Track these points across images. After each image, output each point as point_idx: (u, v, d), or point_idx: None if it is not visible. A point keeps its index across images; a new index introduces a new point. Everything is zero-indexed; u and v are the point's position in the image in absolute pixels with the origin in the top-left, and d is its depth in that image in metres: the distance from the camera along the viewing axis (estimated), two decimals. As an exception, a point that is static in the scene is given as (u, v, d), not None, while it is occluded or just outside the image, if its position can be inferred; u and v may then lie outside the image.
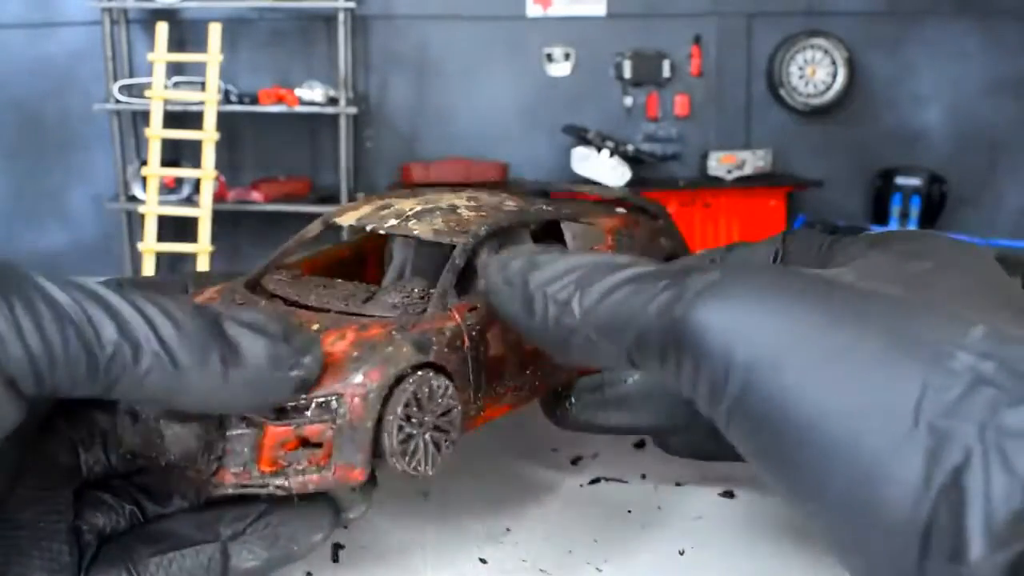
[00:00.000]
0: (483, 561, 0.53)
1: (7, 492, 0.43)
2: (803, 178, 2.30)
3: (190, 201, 2.08)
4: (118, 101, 2.09)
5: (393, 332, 0.47)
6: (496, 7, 2.26)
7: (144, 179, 2.03)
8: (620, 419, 0.54)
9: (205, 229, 2.00)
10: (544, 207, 0.59)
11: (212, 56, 1.98)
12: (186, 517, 0.46)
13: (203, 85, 2.02)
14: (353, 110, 2.12)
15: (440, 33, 2.27)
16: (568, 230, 0.59)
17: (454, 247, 0.52)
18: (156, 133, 1.98)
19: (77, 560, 0.43)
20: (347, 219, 0.56)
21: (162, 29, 1.98)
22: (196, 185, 2.06)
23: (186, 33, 2.16)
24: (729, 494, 0.59)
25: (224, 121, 2.06)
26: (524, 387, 0.53)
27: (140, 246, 2.01)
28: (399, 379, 0.45)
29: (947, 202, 2.31)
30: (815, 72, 2.29)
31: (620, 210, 0.68)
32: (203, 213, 1.99)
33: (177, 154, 2.13)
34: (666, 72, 2.31)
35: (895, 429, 0.31)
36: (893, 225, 2.24)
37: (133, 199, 2.11)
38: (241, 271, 0.58)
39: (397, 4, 2.24)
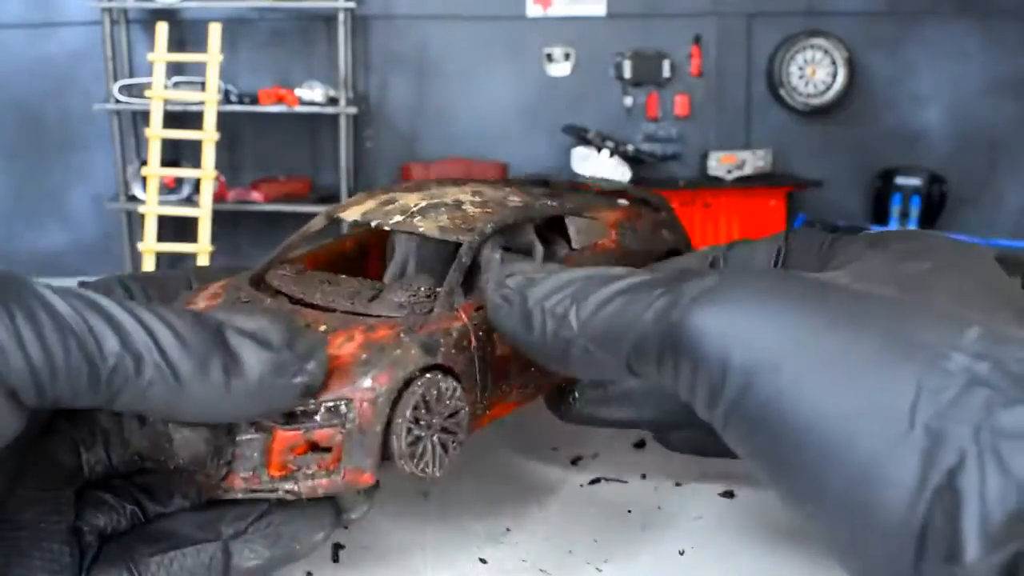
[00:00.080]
0: (483, 561, 0.53)
1: (8, 493, 0.43)
2: (803, 178, 2.30)
3: (190, 201, 2.08)
4: (118, 101, 2.09)
5: (401, 334, 0.46)
6: (496, 7, 2.26)
7: (144, 179, 2.03)
8: (622, 414, 0.54)
9: (205, 229, 2.00)
10: (548, 202, 0.59)
11: (212, 56, 1.98)
12: (188, 516, 0.47)
13: (203, 85, 2.02)
14: (353, 110, 2.12)
15: (440, 33, 2.27)
16: (572, 225, 0.59)
17: (460, 245, 0.52)
18: (156, 133, 1.99)
19: (78, 560, 0.43)
20: (351, 214, 0.56)
21: (162, 29, 1.98)
22: (196, 185, 2.06)
23: (186, 33, 2.16)
24: (729, 494, 0.59)
25: (224, 121, 2.06)
26: (529, 385, 0.53)
27: (140, 246, 2.01)
28: (407, 382, 0.45)
29: (947, 202, 2.31)
30: (815, 72, 2.29)
31: (622, 202, 0.68)
32: (203, 213, 1.99)
33: (177, 154, 2.13)
34: (666, 72, 2.31)
35: (891, 431, 0.31)
36: (893, 225, 2.24)
37: (133, 199, 2.11)
38: (245, 266, 0.58)
39: (397, 4, 2.24)
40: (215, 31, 1.99)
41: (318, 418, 0.44)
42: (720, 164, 2.24)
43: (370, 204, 0.57)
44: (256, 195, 2.13)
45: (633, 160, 2.22)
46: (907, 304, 0.37)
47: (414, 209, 0.55)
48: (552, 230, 0.60)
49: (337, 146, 2.15)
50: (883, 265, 0.43)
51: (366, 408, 0.44)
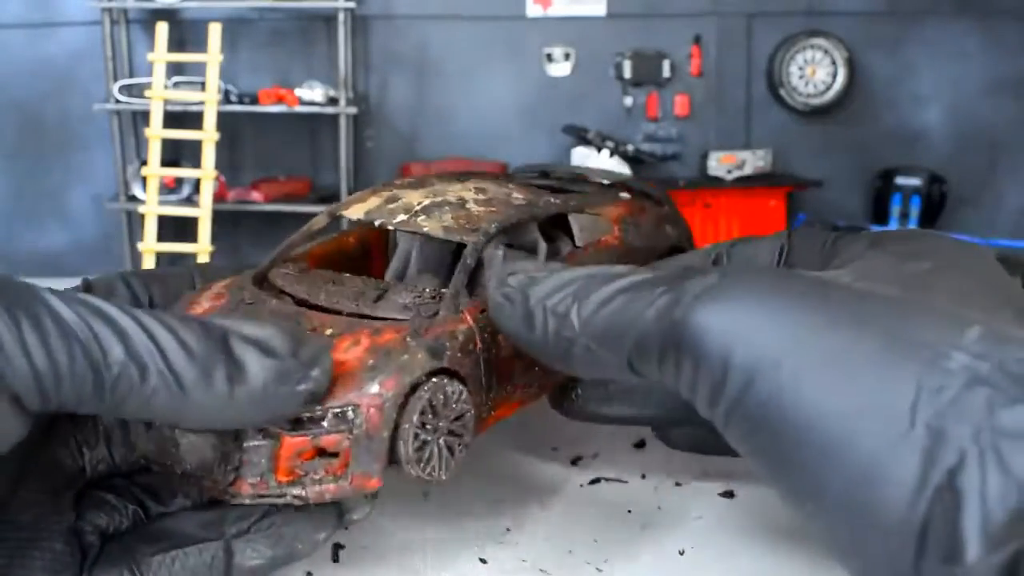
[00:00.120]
0: (483, 561, 0.53)
1: (9, 494, 0.43)
2: (803, 178, 2.30)
3: (190, 201, 2.08)
4: (118, 101, 2.09)
5: (407, 338, 0.47)
6: (496, 7, 2.26)
7: (144, 179, 2.03)
8: (624, 411, 0.55)
9: (205, 229, 2.00)
10: (551, 199, 0.59)
11: (212, 56, 1.98)
12: (189, 516, 0.47)
13: (203, 85, 2.02)
14: (353, 110, 2.12)
15: (440, 33, 2.27)
16: (575, 222, 0.59)
17: (463, 245, 0.52)
18: (156, 133, 1.99)
19: (79, 560, 0.43)
20: (354, 212, 0.56)
21: (162, 29, 1.98)
22: (196, 185, 2.06)
23: (186, 33, 2.16)
24: (729, 494, 0.59)
25: (224, 121, 2.06)
26: (532, 384, 0.54)
27: (140, 246, 2.01)
28: (414, 387, 0.45)
29: (947, 202, 2.31)
30: (815, 72, 2.29)
31: (624, 195, 0.68)
32: (203, 213, 2.00)
33: (177, 154, 2.13)
34: (666, 72, 2.31)
35: (891, 430, 0.31)
36: (893, 225, 2.24)
37: (133, 199, 2.11)
38: (248, 263, 0.58)
39: (397, 4, 2.24)
40: (215, 31, 1.99)
41: (325, 424, 0.44)
42: (720, 164, 2.24)
43: (373, 202, 0.57)
44: (256, 195, 2.13)
45: (633, 160, 2.22)
46: (908, 303, 0.37)
47: (417, 208, 0.55)
48: (556, 227, 0.60)
49: (337, 146, 2.15)
50: (885, 264, 0.43)
51: (373, 414, 0.44)
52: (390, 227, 0.54)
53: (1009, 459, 0.29)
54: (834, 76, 2.29)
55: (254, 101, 2.11)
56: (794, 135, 2.33)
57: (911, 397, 0.31)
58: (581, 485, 0.61)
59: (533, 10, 2.28)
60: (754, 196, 2.24)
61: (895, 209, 2.28)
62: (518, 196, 0.57)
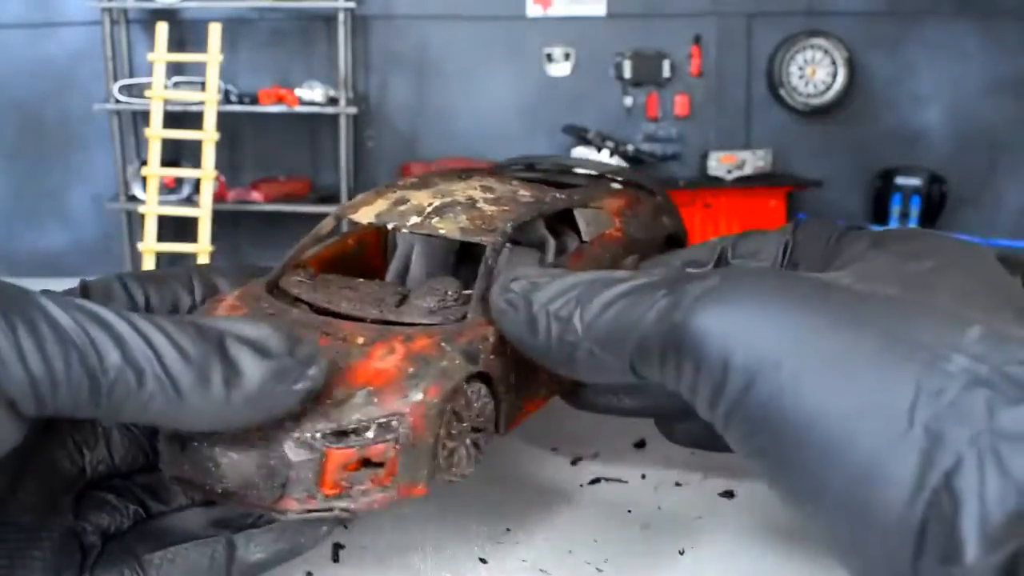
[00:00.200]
0: (483, 561, 0.53)
1: (8, 496, 0.43)
2: (803, 178, 2.30)
3: (190, 201, 2.08)
4: (118, 101, 2.09)
5: (442, 343, 0.47)
6: (496, 7, 2.26)
7: (144, 179, 2.03)
8: (633, 402, 0.55)
9: (205, 229, 2.00)
10: (557, 195, 0.59)
11: (212, 56, 1.98)
12: (191, 513, 0.47)
13: (203, 85, 2.02)
14: (353, 110, 2.12)
15: (440, 33, 2.27)
16: (581, 216, 0.60)
17: (468, 244, 0.52)
18: (156, 133, 1.99)
19: (80, 560, 0.43)
20: (363, 215, 0.56)
21: (162, 29, 1.98)
22: (196, 185, 2.06)
23: (186, 33, 2.16)
24: (729, 494, 0.60)
25: (224, 121, 2.06)
26: (554, 380, 0.54)
27: (140, 246, 2.01)
28: (453, 392, 0.45)
29: (947, 202, 2.31)
30: (815, 72, 2.29)
31: (617, 186, 0.68)
32: (203, 213, 2.00)
33: (177, 154, 2.13)
34: (666, 72, 2.31)
35: (890, 431, 0.32)
36: (893, 225, 2.24)
37: (133, 199, 2.11)
38: (247, 263, 0.58)
39: (397, 4, 2.24)
40: (215, 31, 1.99)
41: (370, 434, 0.44)
42: (720, 164, 2.24)
43: (381, 204, 0.56)
44: (256, 195, 2.13)
45: (633, 160, 2.22)
46: (909, 304, 0.37)
47: (429, 210, 0.55)
48: (561, 222, 0.60)
49: (337, 146, 2.15)
50: (886, 265, 0.43)
51: (418, 422, 0.44)
52: (404, 230, 0.54)
53: (1008, 461, 0.29)
54: (834, 76, 2.29)
55: (254, 101, 2.11)
56: (794, 135, 2.33)
57: (910, 398, 0.31)
58: (581, 485, 0.61)
59: (533, 10, 2.28)
60: (754, 196, 2.24)
61: (895, 209, 2.28)
62: (524, 193, 0.57)
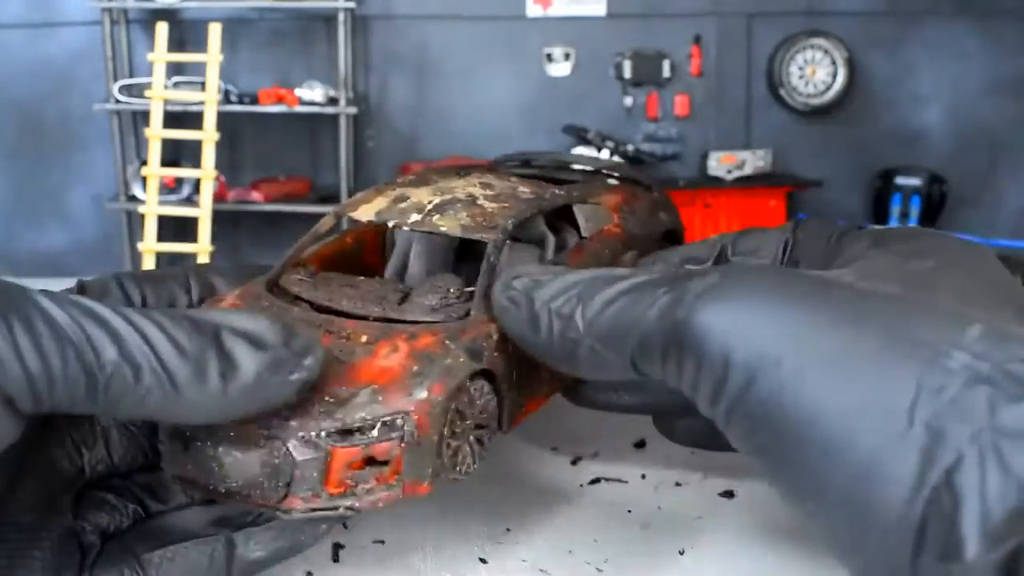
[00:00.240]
0: (483, 561, 0.53)
1: (7, 494, 0.43)
2: (803, 178, 2.30)
3: (190, 201, 2.08)
4: (118, 101, 2.09)
5: (446, 341, 0.46)
6: (496, 7, 2.26)
7: (144, 179, 2.03)
8: (633, 399, 0.55)
9: (205, 229, 2.00)
10: (556, 191, 0.59)
11: (212, 56, 1.98)
12: (190, 512, 0.47)
13: (203, 85, 2.02)
14: (353, 110, 2.12)
15: (440, 33, 2.27)
16: (580, 213, 0.60)
17: (467, 241, 0.52)
18: (156, 133, 1.99)
19: (79, 560, 0.43)
20: (363, 213, 0.55)
21: (162, 29, 1.98)
22: (196, 185, 2.06)
23: (186, 33, 2.16)
24: (729, 494, 0.59)
25: (224, 121, 2.06)
26: (556, 378, 0.54)
27: (140, 246, 2.01)
28: (457, 390, 0.45)
29: (947, 202, 2.31)
30: (815, 72, 2.29)
31: (613, 181, 0.68)
32: (203, 213, 2.00)
33: (177, 154, 2.13)
34: (666, 72, 2.31)
35: (890, 428, 0.32)
36: (893, 225, 2.24)
37: (133, 199, 2.11)
38: (246, 262, 0.57)
39: (397, 4, 2.24)
40: (215, 31, 1.99)
41: (375, 433, 0.44)
42: (720, 164, 2.24)
43: (381, 202, 0.56)
44: (256, 195, 2.13)
45: (633, 160, 2.22)
46: (909, 302, 0.37)
47: (430, 207, 0.54)
48: (560, 218, 0.60)
49: (337, 146, 2.15)
50: (887, 263, 0.43)
51: (423, 420, 0.44)
52: (405, 228, 0.53)
53: (1009, 458, 0.29)
54: (834, 76, 2.29)
55: (254, 101, 2.11)
56: (794, 135, 2.33)
57: (911, 396, 0.31)
58: (581, 485, 0.61)
59: (533, 10, 2.28)
60: (754, 196, 2.24)
61: (895, 209, 2.28)
62: (524, 189, 0.57)
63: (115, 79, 2.11)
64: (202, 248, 2.00)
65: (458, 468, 0.46)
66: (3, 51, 2.18)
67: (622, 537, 0.55)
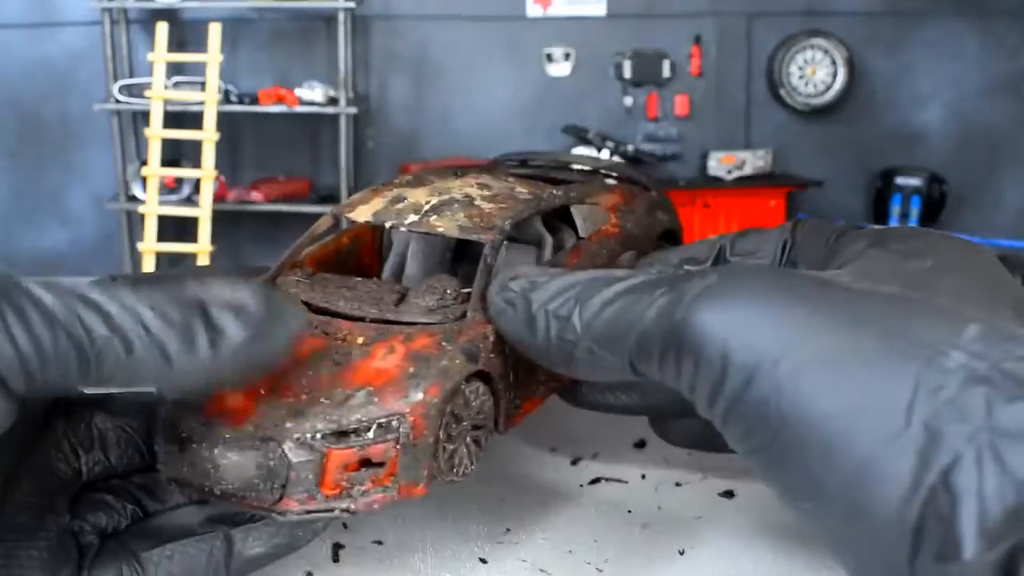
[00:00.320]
0: (483, 561, 0.53)
1: (4, 495, 0.43)
2: (803, 178, 2.30)
3: (190, 201, 2.08)
4: (118, 101, 2.09)
5: (443, 343, 0.46)
6: (496, 7, 2.26)
7: (144, 179, 2.03)
8: (630, 400, 0.55)
9: (205, 229, 2.00)
10: (554, 191, 0.59)
11: (212, 56, 1.98)
12: (188, 511, 0.47)
13: (203, 85, 2.02)
14: (353, 110, 2.12)
15: (440, 33, 2.27)
16: (578, 214, 0.59)
17: (464, 242, 0.52)
18: (156, 133, 1.99)
19: (77, 560, 0.43)
20: (360, 214, 0.55)
21: (162, 29, 1.98)
22: (196, 185, 2.06)
23: (186, 33, 2.16)
24: (729, 494, 0.59)
25: (224, 121, 2.06)
26: (552, 379, 0.53)
27: (140, 246, 2.01)
28: (453, 392, 0.45)
29: (947, 202, 2.31)
30: (815, 72, 2.29)
31: (611, 181, 0.68)
32: (203, 213, 1.99)
33: (177, 154, 2.13)
34: (666, 72, 2.31)
35: (888, 428, 0.31)
36: (893, 225, 2.24)
37: (133, 199, 2.11)
38: (245, 264, 0.58)
39: (397, 4, 2.24)
40: (215, 31, 1.99)
41: (370, 434, 0.44)
42: (720, 164, 2.24)
43: (378, 203, 0.56)
44: (256, 195, 2.13)
45: (633, 160, 2.22)
46: (908, 302, 0.37)
47: (427, 208, 0.54)
48: (558, 219, 0.60)
49: (337, 146, 2.15)
50: (885, 263, 0.43)
51: (419, 422, 0.44)
52: (402, 228, 0.53)
53: (1007, 457, 0.29)
54: (834, 76, 2.29)
55: (254, 101, 2.11)
56: (794, 135, 2.34)
57: (908, 396, 0.31)
58: (581, 485, 0.61)
59: (533, 10, 2.28)
60: (754, 196, 2.24)
61: (895, 209, 2.28)
62: (521, 190, 0.57)
63: (115, 79, 2.11)
64: (202, 248, 2.00)
65: (455, 470, 0.46)
66: (3, 51, 2.18)
67: (622, 537, 0.55)
